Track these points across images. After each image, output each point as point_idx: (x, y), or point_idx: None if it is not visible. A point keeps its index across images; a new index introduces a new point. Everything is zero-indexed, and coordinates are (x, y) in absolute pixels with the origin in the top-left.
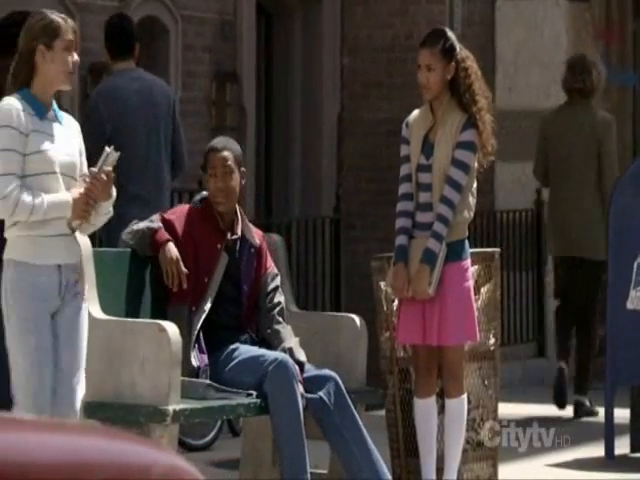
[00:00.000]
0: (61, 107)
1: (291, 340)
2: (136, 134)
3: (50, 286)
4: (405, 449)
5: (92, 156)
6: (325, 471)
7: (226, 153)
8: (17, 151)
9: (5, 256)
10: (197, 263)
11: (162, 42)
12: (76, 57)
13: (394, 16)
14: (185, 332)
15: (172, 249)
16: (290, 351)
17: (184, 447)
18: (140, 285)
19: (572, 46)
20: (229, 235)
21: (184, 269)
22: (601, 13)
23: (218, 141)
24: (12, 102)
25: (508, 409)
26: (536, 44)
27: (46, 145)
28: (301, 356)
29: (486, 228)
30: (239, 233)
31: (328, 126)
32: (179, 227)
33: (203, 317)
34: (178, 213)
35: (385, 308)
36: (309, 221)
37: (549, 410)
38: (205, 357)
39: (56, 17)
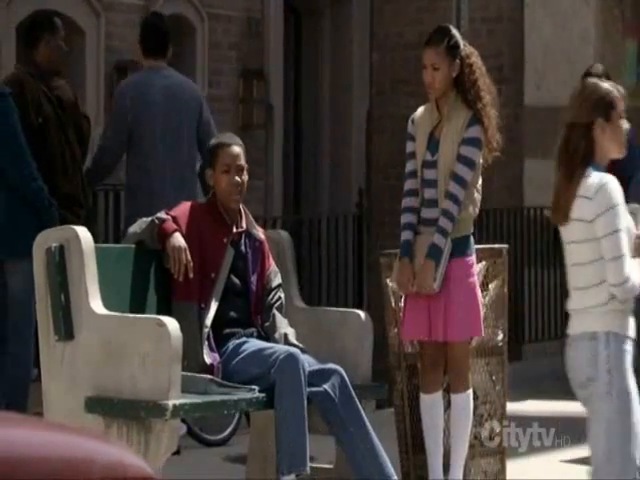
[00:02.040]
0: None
1: (287, 329)
2: (155, 130)
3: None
4: (413, 444)
5: (112, 141)
6: (331, 466)
7: (237, 149)
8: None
9: (599, 329)
10: (204, 258)
11: (189, 40)
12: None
13: (423, 13)
14: (196, 329)
15: (179, 238)
16: (286, 336)
17: (201, 442)
18: (145, 281)
19: (601, 43)
20: (234, 229)
21: (190, 259)
22: (633, 9)
23: (225, 137)
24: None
25: (533, 406)
26: (565, 41)
27: None
28: (296, 342)
29: (515, 225)
30: (244, 226)
31: (357, 123)
32: (184, 223)
33: (213, 314)
34: (183, 209)
35: (393, 304)
36: (330, 218)
37: (574, 407)
38: (216, 355)
39: (608, 87)
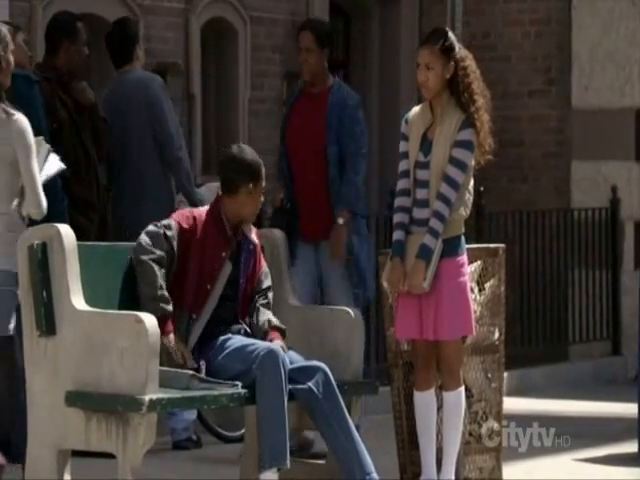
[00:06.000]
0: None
1: (271, 316)
2: (114, 135)
3: None
4: (409, 441)
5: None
6: (323, 462)
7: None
8: None
9: None
10: (201, 269)
11: (231, 43)
12: None
13: (470, 15)
14: (182, 338)
15: (171, 340)
16: (269, 322)
17: (219, 438)
18: (132, 279)
19: None
20: (234, 240)
21: (187, 356)
22: None
23: (248, 158)
24: None
25: (579, 407)
26: (612, 43)
27: None
28: (280, 324)
29: (562, 226)
30: (242, 232)
31: None
32: (188, 233)
33: (202, 328)
34: (188, 217)
35: (391, 302)
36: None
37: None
38: (201, 362)
39: None
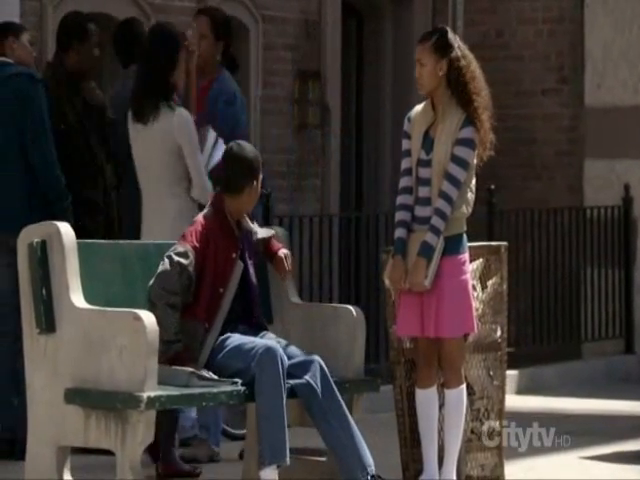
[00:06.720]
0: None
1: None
2: (122, 133)
3: None
4: (411, 438)
5: None
6: (324, 458)
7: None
8: None
9: None
10: (215, 277)
11: (242, 42)
12: None
13: (483, 14)
14: (197, 349)
15: (195, 369)
16: (263, 240)
17: (226, 436)
18: (134, 277)
19: None
20: (241, 241)
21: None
22: None
23: (249, 156)
24: None
25: (590, 405)
26: (625, 41)
27: None
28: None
29: (574, 224)
30: (244, 227)
31: None
32: (204, 252)
33: (215, 337)
34: (202, 231)
35: (393, 299)
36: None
37: (632, 406)
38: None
39: None
